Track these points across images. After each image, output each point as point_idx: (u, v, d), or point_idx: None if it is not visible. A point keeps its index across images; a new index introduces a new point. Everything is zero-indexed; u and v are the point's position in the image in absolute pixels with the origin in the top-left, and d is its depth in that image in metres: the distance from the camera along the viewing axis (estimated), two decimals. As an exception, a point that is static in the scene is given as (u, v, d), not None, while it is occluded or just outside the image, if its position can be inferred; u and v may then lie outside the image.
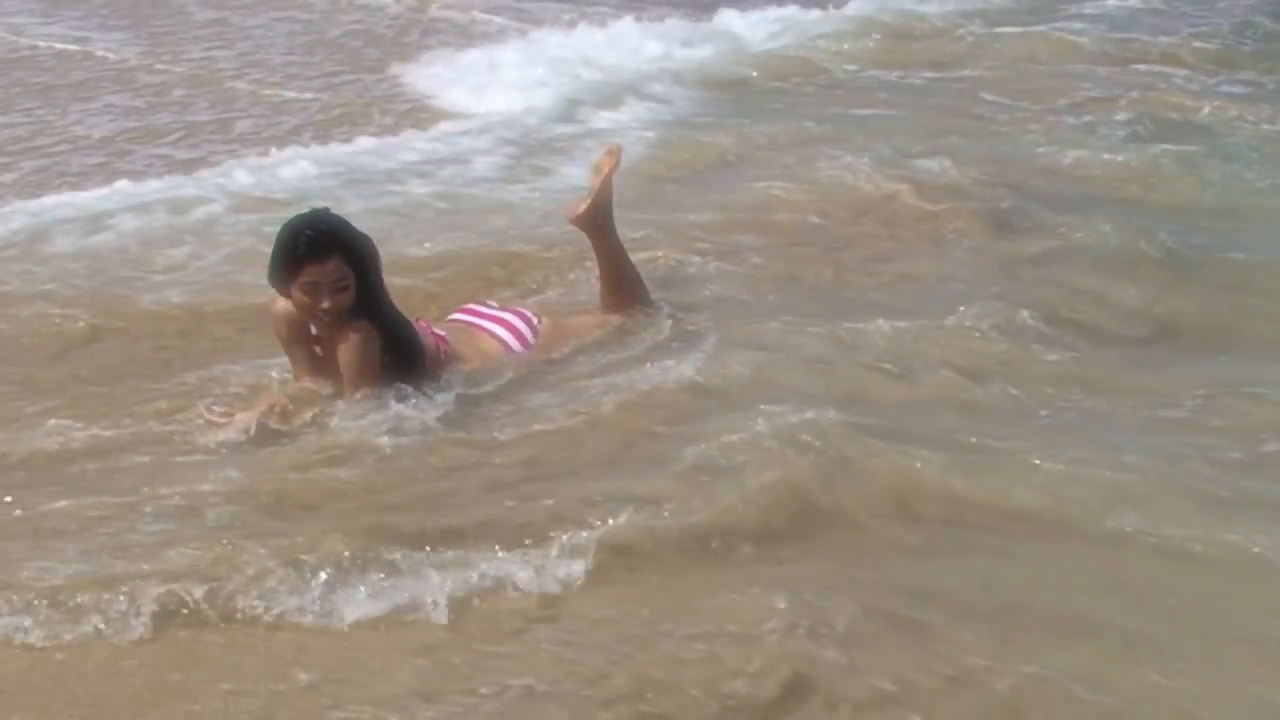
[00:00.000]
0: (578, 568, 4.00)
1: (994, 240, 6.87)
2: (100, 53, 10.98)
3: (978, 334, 5.64)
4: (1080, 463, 4.59)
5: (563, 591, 3.93)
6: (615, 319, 5.68)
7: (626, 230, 5.92)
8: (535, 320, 5.51)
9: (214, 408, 4.90)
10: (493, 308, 5.58)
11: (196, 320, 5.90)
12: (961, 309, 5.83)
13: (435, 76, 10.27)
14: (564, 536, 4.09)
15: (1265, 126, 8.95)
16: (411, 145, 8.58)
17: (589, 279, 6.06)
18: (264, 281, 5.12)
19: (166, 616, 3.80)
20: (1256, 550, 4.18)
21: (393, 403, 4.88)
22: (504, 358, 5.31)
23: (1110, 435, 4.87)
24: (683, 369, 5.20)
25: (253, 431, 4.79)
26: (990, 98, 9.68)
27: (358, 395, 4.90)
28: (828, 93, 9.94)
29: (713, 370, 5.20)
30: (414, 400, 4.92)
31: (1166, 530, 4.27)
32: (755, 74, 10.52)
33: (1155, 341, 5.83)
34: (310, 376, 5.07)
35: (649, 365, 5.28)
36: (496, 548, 4.07)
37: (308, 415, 4.90)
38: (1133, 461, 4.63)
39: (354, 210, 6.51)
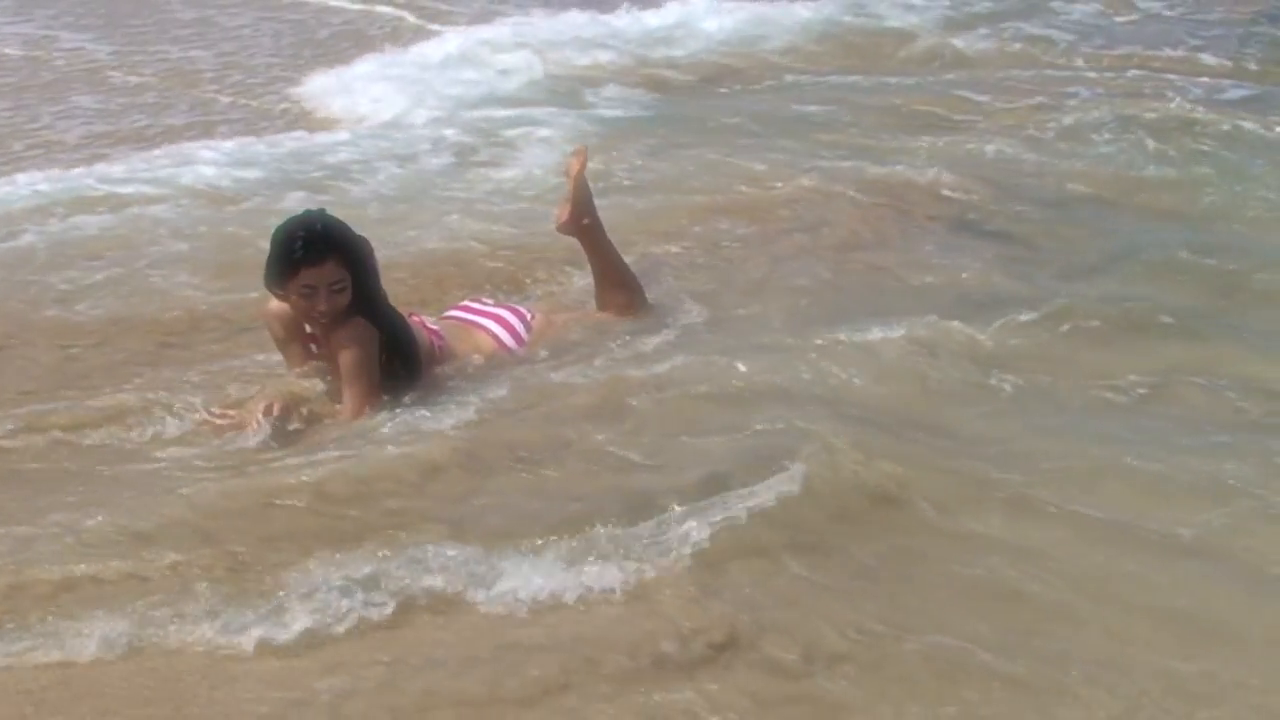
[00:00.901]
0: (512, 556, 4.11)
1: (965, 235, 7.07)
2: (67, 53, 11.11)
3: (941, 323, 5.79)
4: (1019, 442, 4.84)
5: (498, 572, 4.05)
6: (610, 318, 5.79)
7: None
8: (529, 317, 5.61)
9: (213, 409, 5.01)
10: (487, 305, 5.68)
11: (114, 330, 5.87)
12: (927, 298, 6.07)
13: (392, 76, 10.43)
14: (505, 527, 4.26)
15: (1265, 133, 8.99)
16: (357, 143, 8.68)
17: (569, 279, 6.26)
18: (186, 289, 5.15)
19: (74, 631, 3.81)
20: (1179, 534, 4.38)
21: (383, 405, 4.98)
22: (498, 354, 5.41)
23: (1055, 418, 5.08)
24: (670, 368, 5.32)
25: (266, 429, 4.85)
26: (978, 101, 9.78)
27: (355, 395, 4.97)
28: (799, 93, 10.10)
29: (697, 369, 5.31)
30: (402, 400, 5.01)
31: (1092, 510, 4.46)
32: (715, 73, 10.76)
33: (1115, 332, 5.92)
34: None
35: (635, 364, 5.39)
36: (443, 539, 4.19)
37: (304, 411, 4.99)
38: (1072, 443, 4.85)
39: (290, 208, 6.56)
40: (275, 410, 4.91)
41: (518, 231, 6.81)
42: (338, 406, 5.04)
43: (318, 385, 5.11)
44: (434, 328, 5.36)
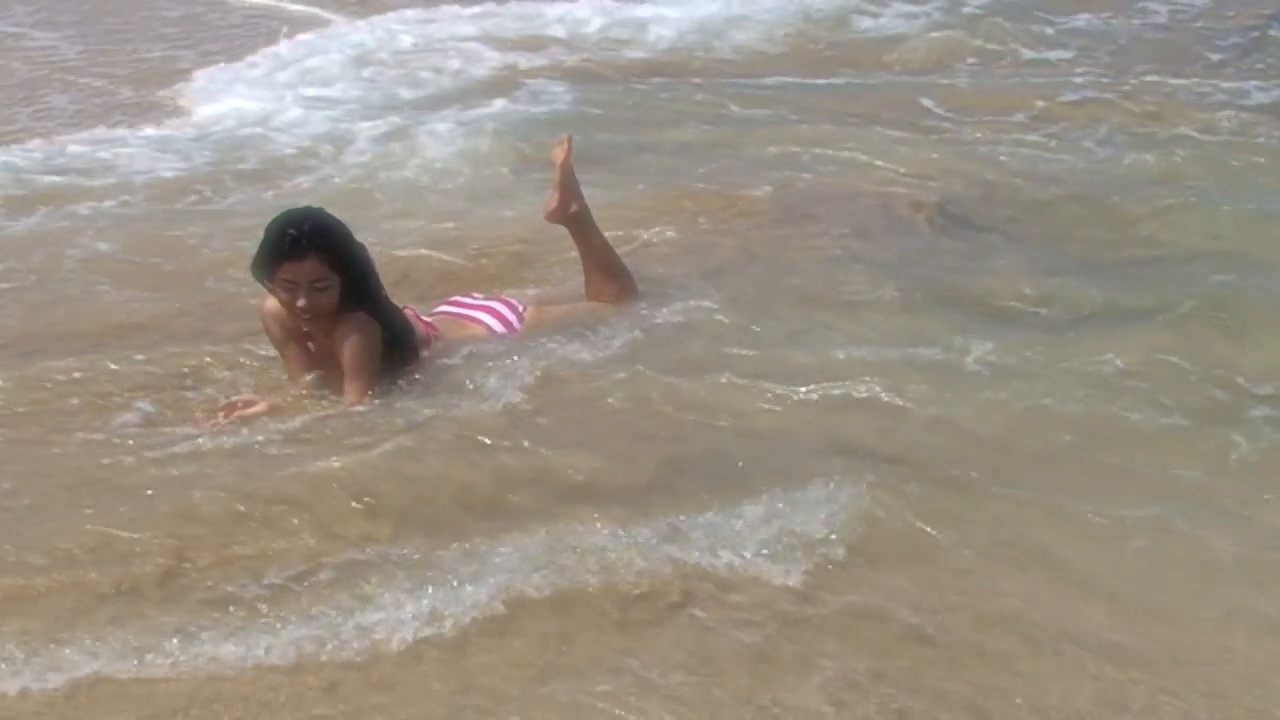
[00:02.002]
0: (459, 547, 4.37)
1: (947, 229, 7.31)
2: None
3: (910, 309, 6.13)
4: (970, 419, 5.16)
5: (440, 559, 4.31)
6: (601, 307, 6.01)
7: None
8: (521, 308, 5.86)
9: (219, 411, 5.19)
10: (477, 299, 5.92)
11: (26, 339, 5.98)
12: (899, 288, 6.35)
13: (317, 70, 10.66)
14: (456, 516, 4.56)
15: (1270, 140, 9.10)
16: (294, 130, 8.93)
17: (518, 270, 6.52)
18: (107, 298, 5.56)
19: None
20: (1125, 515, 4.63)
21: (382, 402, 5.19)
22: (494, 342, 5.63)
23: (1017, 401, 5.33)
24: (656, 357, 5.57)
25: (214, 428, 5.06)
26: (976, 104, 9.93)
27: (358, 389, 5.19)
28: (773, 91, 10.28)
29: (680, 357, 5.59)
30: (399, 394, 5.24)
31: (1040, 489, 4.75)
32: (692, 63, 11.07)
33: (1093, 324, 6.16)
34: (305, 373, 5.35)
35: (620, 354, 5.63)
36: (388, 531, 4.48)
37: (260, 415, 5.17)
38: (1029, 425, 5.15)
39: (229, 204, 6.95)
40: (228, 414, 5.15)
41: (458, 227, 7.05)
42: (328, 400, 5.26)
43: (311, 382, 5.32)
44: (428, 320, 5.60)
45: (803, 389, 5.32)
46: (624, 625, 4.01)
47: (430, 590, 4.09)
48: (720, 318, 6.01)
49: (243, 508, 4.49)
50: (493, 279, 6.44)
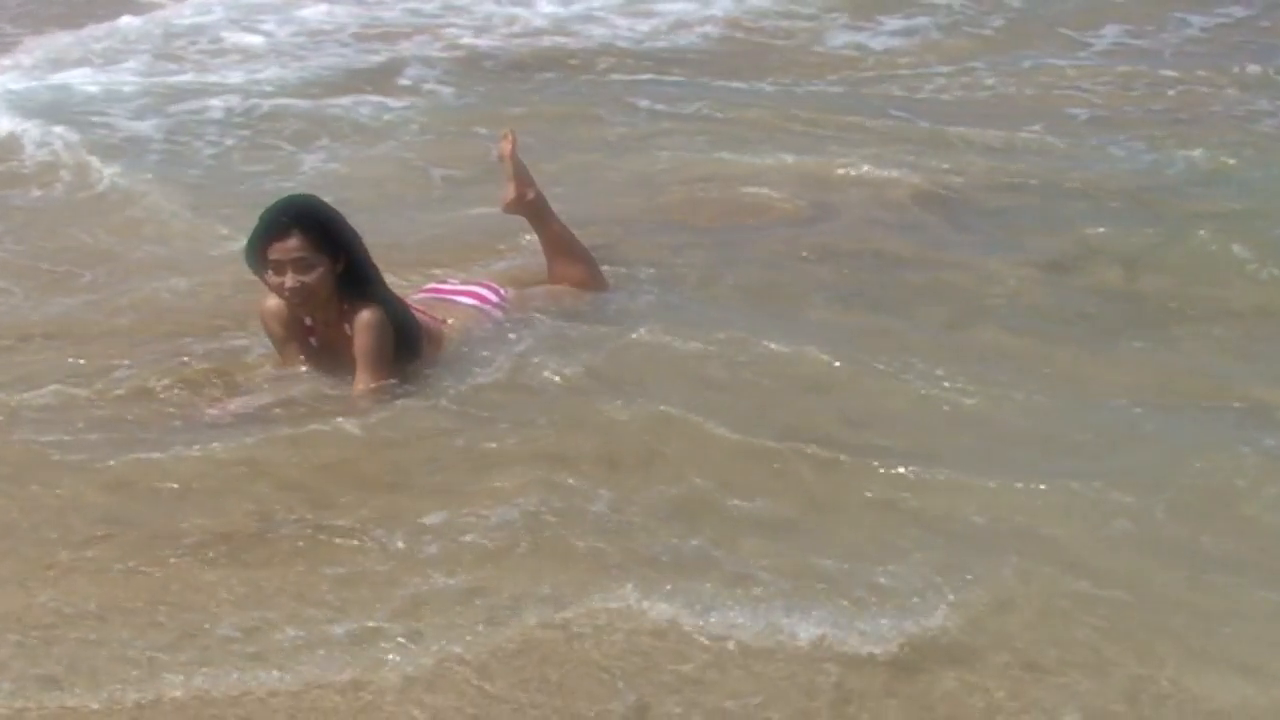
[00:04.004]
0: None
1: (938, 229, 7.47)
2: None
3: (911, 307, 6.34)
4: (961, 409, 5.35)
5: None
6: (571, 291, 6.25)
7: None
8: (501, 291, 6.07)
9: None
10: (454, 284, 6.14)
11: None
12: (872, 278, 6.66)
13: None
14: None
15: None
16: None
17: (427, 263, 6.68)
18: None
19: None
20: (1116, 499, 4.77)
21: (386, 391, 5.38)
22: (485, 323, 5.83)
23: (1008, 394, 5.49)
24: (654, 353, 5.75)
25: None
26: (988, 107, 10.10)
27: (370, 380, 5.38)
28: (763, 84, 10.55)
29: (678, 351, 5.78)
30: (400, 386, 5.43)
31: (1027, 478, 4.88)
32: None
33: (1095, 322, 6.32)
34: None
35: (589, 337, 5.84)
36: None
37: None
38: (1019, 417, 5.31)
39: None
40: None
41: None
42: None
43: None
44: (421, 308, 5.75)
45: (784, 381, 5.47)
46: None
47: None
48: (704, 307, 6.23)
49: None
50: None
